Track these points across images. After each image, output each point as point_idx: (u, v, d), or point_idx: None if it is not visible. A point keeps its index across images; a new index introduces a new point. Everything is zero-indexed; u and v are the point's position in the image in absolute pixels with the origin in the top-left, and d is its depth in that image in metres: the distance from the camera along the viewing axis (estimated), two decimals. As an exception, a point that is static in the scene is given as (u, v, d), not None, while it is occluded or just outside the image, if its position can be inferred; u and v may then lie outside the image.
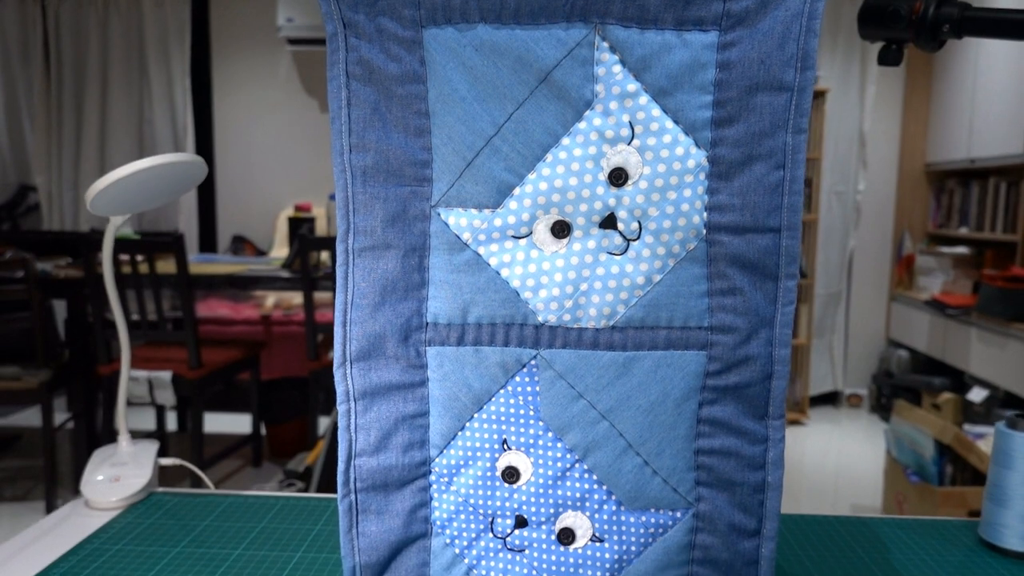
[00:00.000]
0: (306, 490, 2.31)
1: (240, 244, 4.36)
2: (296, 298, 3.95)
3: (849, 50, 4.12)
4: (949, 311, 3.58)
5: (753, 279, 0.51)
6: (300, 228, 2.99)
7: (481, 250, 0.51)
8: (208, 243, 4.54)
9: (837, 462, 3.47)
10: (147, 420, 3.83)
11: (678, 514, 0.53)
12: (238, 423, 3.83)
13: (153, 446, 0.92)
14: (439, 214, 0.51)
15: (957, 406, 3.53)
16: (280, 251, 4.20)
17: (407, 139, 0.51)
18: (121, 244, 2.48)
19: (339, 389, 0.53)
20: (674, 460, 0.53)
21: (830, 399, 4.42)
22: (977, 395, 3.31)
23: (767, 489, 0.54)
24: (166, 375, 2.72)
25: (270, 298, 3.87)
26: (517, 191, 0.50)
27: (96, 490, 0.83)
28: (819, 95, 3.88)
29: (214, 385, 2.83)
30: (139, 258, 2.83)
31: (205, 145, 4.50)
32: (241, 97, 4.44)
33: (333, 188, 4.41)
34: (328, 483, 2.16)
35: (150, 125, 4.35)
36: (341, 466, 0.53)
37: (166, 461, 0.93)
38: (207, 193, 4.52)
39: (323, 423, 3.47)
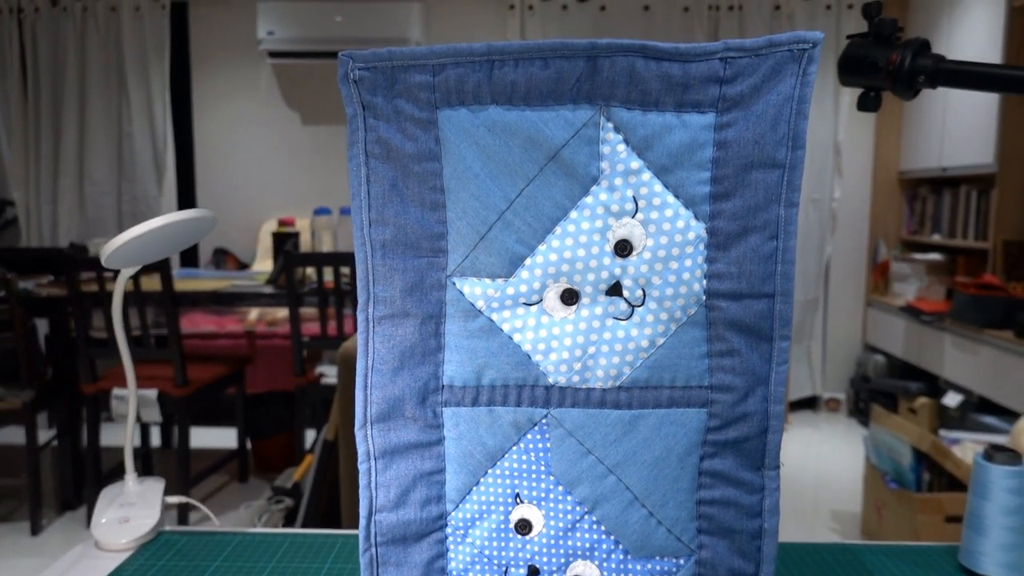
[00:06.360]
0: (296, 507, 2.32)
1: (222, 257, 4.35)
2: (280, 312, 3.95)
3: (824, 61, 4.20)
4: (924, 317, 3.67)
5: (750, 341, 0.54)
6: (285, 244, 3.00)
7: (494, 316, 0.54)
8: (189, 255, 4.53)
9: (817, 467, 3.54)
10: (130, 436, 3.81)
11: (681, 561, 0.57)
12: (223, 437, 3.82)
13: (159, 484, 0.94)
14: (454, 283, 0.54)
15: (933, 410, 3.61)
16: (263, 264, 4.19)
17: (424, 213, 0.54)
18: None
19: (360, 449, 0.55)
20: (677, 511, 0.56)
21: (809, 404, 4.49)
22: (952, 399, 3.39)
23: (764, 535, 0.57)
24: (152, 393, 2.71)
25: (253, 312, 3.86)
26: (528, 261, 0.53)
27: (106, 532, 0.85)
28: (795, 106, 3.95)
29: (200, 402, 2.83)
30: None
31: (185, 158, 4.48)
32: (221, 110, 4.43)
33: (317, 203, 4.37)
34: (317, 501, 2.17)
35: (129, 139, 4.32)
36: (362, 522, 0.56)
37: (173, 499, 0.95)
38: (188, 206, 4.50)
39: (309, 437, 3.47)
